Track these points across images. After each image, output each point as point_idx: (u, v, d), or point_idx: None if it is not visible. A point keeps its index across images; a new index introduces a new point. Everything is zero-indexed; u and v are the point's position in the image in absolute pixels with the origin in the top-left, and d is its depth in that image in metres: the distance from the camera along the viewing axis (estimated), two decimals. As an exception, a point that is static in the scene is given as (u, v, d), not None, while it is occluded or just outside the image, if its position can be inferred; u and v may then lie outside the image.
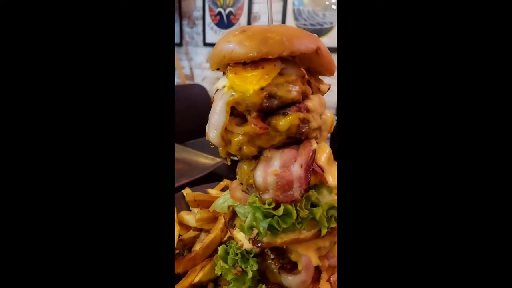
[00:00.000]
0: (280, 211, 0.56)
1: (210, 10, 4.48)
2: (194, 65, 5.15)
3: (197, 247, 0.80)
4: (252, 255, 0.70)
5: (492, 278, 0.41)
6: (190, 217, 0.91)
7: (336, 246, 0.69)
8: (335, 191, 0.64)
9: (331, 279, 0.76)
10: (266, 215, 0.58)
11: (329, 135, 0.77)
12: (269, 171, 0.60)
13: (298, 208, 0.57)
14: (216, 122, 0.66)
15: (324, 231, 0.59)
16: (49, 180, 0.41)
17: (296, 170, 0.60)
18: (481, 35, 0.42)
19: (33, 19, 0.41)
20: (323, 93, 0.73)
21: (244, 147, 0.64)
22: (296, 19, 3.57)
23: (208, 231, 0.85)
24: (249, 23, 4.09)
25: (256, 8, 4.01)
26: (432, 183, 0.42)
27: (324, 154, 0.66)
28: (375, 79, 0.44)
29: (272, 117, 0.63)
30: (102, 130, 0.42)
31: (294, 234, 0.59)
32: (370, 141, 0.44)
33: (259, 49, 0.58)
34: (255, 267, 0.68)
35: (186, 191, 0.99)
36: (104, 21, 0.42)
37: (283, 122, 0.62)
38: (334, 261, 0.73)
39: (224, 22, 4.35)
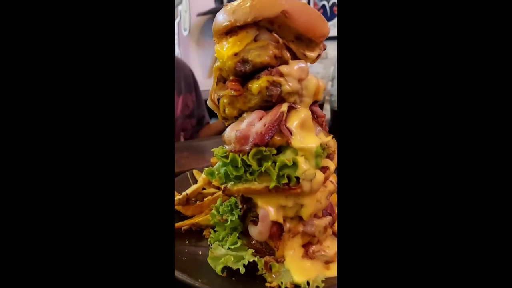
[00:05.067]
0: (228, 159, 0.63)
1: (315, 4, 4.50)
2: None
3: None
4: (238, 209, 0.79)
5: (492, 278, 0.38)
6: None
7: (306, 211, 0.69)
8: (301, 153, 0.65)
9: (312, 248, 0.75)
10: (224, 164, 0.66)
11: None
12: (236, 127, 0.68)
13: (244, 158, 0.63)
14: (210, 89, 0.77)
15: (272, 185, 0.62)
16: (53, 164, 0.41)
17: (257, 127, 0.65)
18: (481, 33, 0.39)
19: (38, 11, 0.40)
20: (311, 60, 0.73)
21: (226, 109, 0.73)
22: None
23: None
24: (353, 13, 3.91)
25: (361, -4, 3.80)
26: (433, 184, 0.40)
27: (298, 118, 0.68)
28: (377, 74, 0.42)
29: (249, 81, 0.70)
30: (105, 109, 0.43)
31: (248, 184, 0.65)
32: (370, 136, 0.43)
33: (228, 18, 0.66)
34: (235, 217, 0.76)
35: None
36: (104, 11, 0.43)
37: (255, 85, 0.68)
38: (312, 230, 0.73)
39: (328, 14, 4.32)
